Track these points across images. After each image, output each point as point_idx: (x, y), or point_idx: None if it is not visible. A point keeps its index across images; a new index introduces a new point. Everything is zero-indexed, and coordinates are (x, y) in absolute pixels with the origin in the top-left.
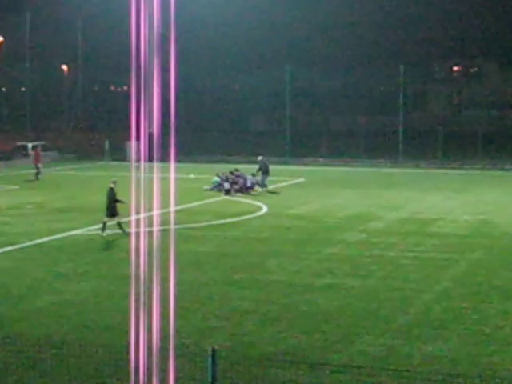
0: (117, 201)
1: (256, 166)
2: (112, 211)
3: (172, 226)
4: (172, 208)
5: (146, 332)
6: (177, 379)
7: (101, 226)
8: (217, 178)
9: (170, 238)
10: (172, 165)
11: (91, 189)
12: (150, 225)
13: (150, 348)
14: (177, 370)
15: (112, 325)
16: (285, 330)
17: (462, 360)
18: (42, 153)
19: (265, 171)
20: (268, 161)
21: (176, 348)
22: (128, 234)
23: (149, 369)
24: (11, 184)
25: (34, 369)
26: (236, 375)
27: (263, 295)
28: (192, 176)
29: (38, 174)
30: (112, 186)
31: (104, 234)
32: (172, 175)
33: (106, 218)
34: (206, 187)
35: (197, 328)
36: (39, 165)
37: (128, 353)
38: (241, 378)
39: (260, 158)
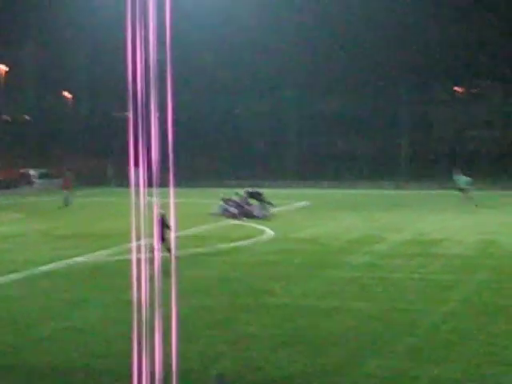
0: (167, 227)
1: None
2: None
3: (172, 252)
4: (172, 233)
5: (147, 359)
6: None
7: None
8: (222, 203)
9: (173, 264)
10: (171, 189)
11: (96, 215)
12: (154, 250)
13: (153, 374)
14: None
15: (118, 351)
16: (291, 354)
17: (469, 381)
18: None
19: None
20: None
21: (181, 374)
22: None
23: None
24: (16, 212)
25: None
26: None
27: (269, 319)
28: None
29: (66, 199)
30: (162, 212)
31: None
32: (172, 200)
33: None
34: (211, 212)
35: (202, 353)
36: (66, 191)
37: (131, 380)
38: None
39: (245, 190)
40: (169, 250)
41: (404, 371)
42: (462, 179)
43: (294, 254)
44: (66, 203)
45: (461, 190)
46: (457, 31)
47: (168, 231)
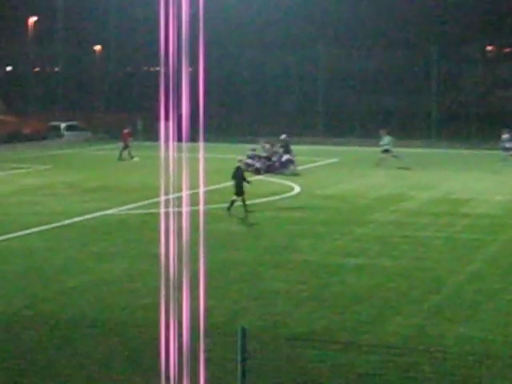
0: (245, 180)
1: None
2: (239, 190)
3: (201, 206)
4: (201, 188)
5: (175, 313)
6: (208, 358)
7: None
8: (247, 158)
9: (200, 218)
10: (201, 144)
11: (124, 169)
12: (181, 204)
13: (180, 328)
14: (208, 350)
15: (144, 304)
16: (316, 311)
17: (494, 341)
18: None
19: (286, 151)
20: (291, 141)
21: (208, 328)
22: (230, 214)
23: (179, 349)
24: (44, 164)
25: (66, 348)
26: (266, 355)
27: (294, 275)
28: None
29: (123, 153)
30: (239, 164)
31: (230, 212)
32: (201, 155)
33: (234, 197)
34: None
35: (228, 308)
36: (128, 144)
37: (159, 333)
38: (271, 358)
39: (283, 136)
40: (244, 203)
41: (429, 329)
42: (386, 139)
43: (321, 211)
44: (121, 158)
45: (385, 151)
46: None
47: (245, 184)
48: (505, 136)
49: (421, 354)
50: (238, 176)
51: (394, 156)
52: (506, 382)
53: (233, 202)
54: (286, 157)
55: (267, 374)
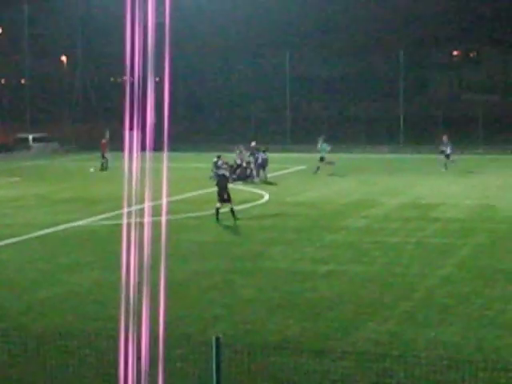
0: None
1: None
2: (224, 197)
3: (163, 217)
4: (165, 199)
5: (134, 324)
6: (181, 368)
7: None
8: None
9: (167, 228)
10: (165, 154)
11: (93, 179)
12: (151, 215)
13: (153, 338)
14: (181, 359)
15: (114, 315)
16: (288, 318)
17: (466, 345)
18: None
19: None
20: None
21: (180, 337)
22: (236, 220)
23: (139, 360)
24: (13, 176)
25: (38, 360)
26: (240, 363)
27: (266, 283)
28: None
29: (104, 163)
30: (223, 172)
31: (217, 220)
32: (165, 164)
33: (218, 204)
34: (211, 175)
35: (200, 317)
36: (106, 155)
37: (128, 344)
38: (245, 366)
39: (253, 144)
40: (232, 211)
41: (401, 334)
42: (324, 146)
43: (291, 218)
44: (105, 168)
45: (321, 158)
46: None
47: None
48: (444, 141)
49: (394, 359)
50: (222, 184)
51: (329, 163)
52: None
53: (217, 209)
54: (260, 160)
55: (242, 383)
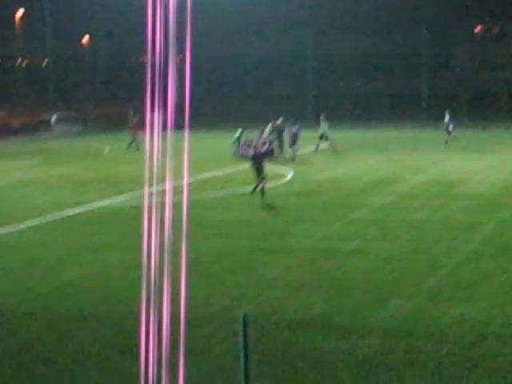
0: (261, 166)
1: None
2: (259, 173)
3: (185, 196)
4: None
5: (155, 305)
6: (208, 347)
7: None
8: (240, 144)
9: (190, 208)
10: (187, 133)
11: (115, 160)
12: (173, 194)
13: (176, 318)
14: (207, 339)
15: (140, 296)
16: (313, 296)
17: (492, 320)
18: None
19: (280, 136)
20: (286, 125)
21: (204, 317)
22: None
23: (174, 340)
24: (35, 156)
25: (64, 342)
26: (267, 342)
27: (291, 261)
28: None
29: (134, 143)
30: (254, 151)
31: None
32: (186, 144)
33: (257, 181)
34: (232, 154)
35: (225, 296)
36: (136, 135)
37: (154, 323)
38: (272, 345)
39: (279, 121)
40: (263, 186)
41: (426, 311)
42: (325, 126)
43: (315, 196)
44: (137, 147)
45: (322, 137)
46: None
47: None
48: (446, 118)
49: (420, 336)
50: (257, 162)
51: (329, 143)
52: (506, 361)
53: (256, 186)
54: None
55: (268, 361)
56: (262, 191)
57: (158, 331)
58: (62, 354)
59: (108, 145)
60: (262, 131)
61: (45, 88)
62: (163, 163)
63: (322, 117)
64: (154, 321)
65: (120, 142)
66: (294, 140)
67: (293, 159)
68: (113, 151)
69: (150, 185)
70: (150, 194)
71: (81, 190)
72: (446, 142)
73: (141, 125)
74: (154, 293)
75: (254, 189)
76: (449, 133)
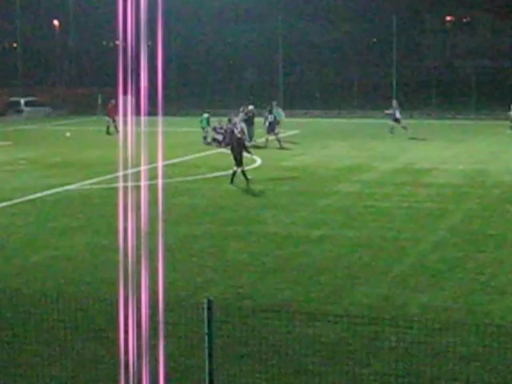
0: (246, 149)
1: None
2: (240, 160)
3: (160, 180)
4: (161, 162)
5: (135, 286)
6: (173, 332)
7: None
8: (211, 131)
9: (162, 191)
10: (160, 118)
11: (85, 144)
12: (142, 178)
13: (141, 302)
14: (173, 323)
15: (107, 278)
16: (280, 282)
17: (458, 309)
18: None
19: (251, 123)
20: (256, 111)
21: (170, 301)
22: (249, 180)
23: (141, 322)
24: (4, 140)
25: (30, 324)
26: (232, 327)
27: (258, 247)
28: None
29: (115, 127)
30: (239, 135)
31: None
32: (160, 129)
33: (235, 168)
34: (203, 140)
35: (192, 281)
36: (116, 118)
37: (122, 306)
38: (237, 330)
39: (251, 107)
40: (244, 173)
41: (393, 299)
42: (279, 112)
43: (284, 183)
44: (109, 131)
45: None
46: None
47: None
48: (393, 106)
49: (386, 323)
50: (238, 146)
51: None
52: (470, 350)
53: (234, 172)
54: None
55: (233, 346)
56: (246, 176)
57: (136, 315)
58: (28, 337)
59: (72, 128)
60: (231, 118)
61: (14, 71)
62: (134, 148)
63: (275, 104)
64: (132, 305)
65: (88, 124)
66: (273, 128)
67: (266, 146)
68: (81, 134)
69: (121, 169)
70: (121, 178)
71: (50, 173)
72: (392, 130)
73: (117, 109)
74: (132, 278)
75: (244, 176)
76: (396, 120)
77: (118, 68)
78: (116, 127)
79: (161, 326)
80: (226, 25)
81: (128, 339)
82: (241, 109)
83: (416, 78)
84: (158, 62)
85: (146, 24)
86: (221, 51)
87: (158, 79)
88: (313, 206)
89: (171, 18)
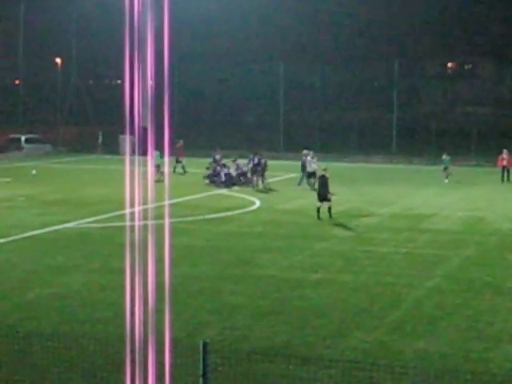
0: (327, 190)
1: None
2: (324, 196)
3: (166, 220)
4: (155, 203)
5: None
6: (170, 373)
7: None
8: (211, 171)
9: (164, 232)
10: (167, 159)
11: (84, 182)
12: (144, 218)
13: (144, 341)
14: (168, 364)
15: (103, 317)
16: (276, 325)
17: (453, 356)
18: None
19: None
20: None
21: (168, 342)
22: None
23: (143, 362)
24: (3, 176)
25: (25, 361)
26: (227, 369)
27: (255, 290)
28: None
29: (183, 167)
30: (323, 173)
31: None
32: (166, 169)
33: (318, 203)
34: (205, 180)
35: (189, 322)
36: (182, 158)
37: (123, 345)
38: (232, 372)
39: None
40: (329, 210)
41: (389, 344)
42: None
43: (282, 226)
44: (183, 170)
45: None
46: (452, 6)
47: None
48: (309, 157)
49: (381, 369)
50: (322, 183)
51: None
52: None
53: (318, 208)
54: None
55: None
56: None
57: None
58: (22, 375)
59: (71, 166)
60: (236, 158)
61: (15, 107)
62: (133, 187)
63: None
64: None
65: (88, 162)
66: (263, 171)
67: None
68: (82, 172)
69: (120, 208)
70: (119, 218)
71: (48, 210)
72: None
73: (182, 149)
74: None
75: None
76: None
77: (120, 107)
78: (183, 167)
79: (153, 368)
80: (227, 67)
81: (125, 380)
82: (232, 158)
83: (416, 123)
84: (165, 102)
85: (151, 62)
86: (221, 93)
87: (165, 120)
88: (310, 249)
89: (175, 60)
